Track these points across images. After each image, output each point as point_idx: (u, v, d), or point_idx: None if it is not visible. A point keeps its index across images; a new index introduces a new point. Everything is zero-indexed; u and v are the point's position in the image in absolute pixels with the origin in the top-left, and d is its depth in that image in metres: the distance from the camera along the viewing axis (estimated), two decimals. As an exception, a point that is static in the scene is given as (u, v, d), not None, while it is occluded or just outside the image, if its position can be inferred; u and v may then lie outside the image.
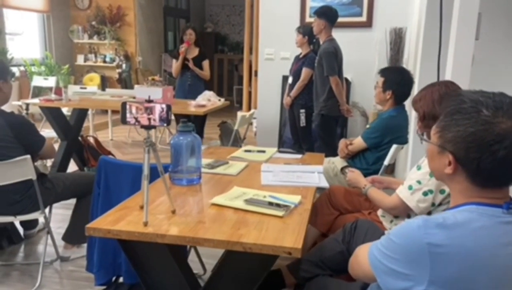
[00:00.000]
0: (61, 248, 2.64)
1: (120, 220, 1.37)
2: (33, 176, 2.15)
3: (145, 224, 1.33)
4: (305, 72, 4.12)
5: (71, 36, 7.62)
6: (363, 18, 4.58)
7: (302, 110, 4.18)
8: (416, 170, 1.65)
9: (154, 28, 8.31)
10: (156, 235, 1.29)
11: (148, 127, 1.36)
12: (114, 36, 7.44)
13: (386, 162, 2.53)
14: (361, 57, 4.60)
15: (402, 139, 2.59)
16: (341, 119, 4.16)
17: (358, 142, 2.64)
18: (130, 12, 7.50)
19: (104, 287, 2.11)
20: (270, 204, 1.49)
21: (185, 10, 9.80)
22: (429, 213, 1.63)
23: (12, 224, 2.75)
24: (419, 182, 1.61)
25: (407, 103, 2.62)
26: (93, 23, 7.49)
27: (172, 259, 1.37)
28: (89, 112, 5.69)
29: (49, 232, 2.44)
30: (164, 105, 1.35)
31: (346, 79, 4.51)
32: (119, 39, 7.51)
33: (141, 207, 1.46)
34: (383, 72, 2.60)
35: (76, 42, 7.66)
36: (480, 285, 0.89)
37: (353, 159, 2.69)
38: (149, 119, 1.35)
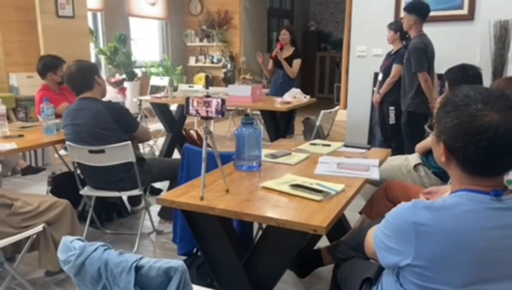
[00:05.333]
0: (157, 223, 3.11)
1: (184, 194, 1.66)
2: (133, 159, 2.59)
3: (201, 198, 1.60)
4: (395, 68, 4.06)
5: (185, 40, 8.45)
6: (464, 11, 4.31)
7: (392, 108, 4.13)
8: None
9: (257, 29, 8.75)
10: (208, 207, 1.55)
11: (206, 118, 1.62)
12: (221, 39, 8.06)
13: (463, 160, 2.44)
14: (460, 53, 4.32)
15: None
16: (431, 117, 4.00)
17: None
18: (236, 16, 8.04)
19: (185, 257, 2.46)
20: (312, 189, 1.64)
21: (289, 10, 10.09)
22: None
23: (121, 200, 3.31)
24: None
25: None
26: (204, 27, 8.21)
27: (222, 229, 1.62)
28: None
29: (147, 207, 2.90)
30: (219, 100, 1.59)
31: (442, 76, 4.30)
32: (225, 41, 8.11)
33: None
34: (445, 75, 2.59)
35: (189, 45, 8.47)
36: (464, 263, 0.95)
37: (427, 156, 2.64)
38: (207, 111, 1.61)
